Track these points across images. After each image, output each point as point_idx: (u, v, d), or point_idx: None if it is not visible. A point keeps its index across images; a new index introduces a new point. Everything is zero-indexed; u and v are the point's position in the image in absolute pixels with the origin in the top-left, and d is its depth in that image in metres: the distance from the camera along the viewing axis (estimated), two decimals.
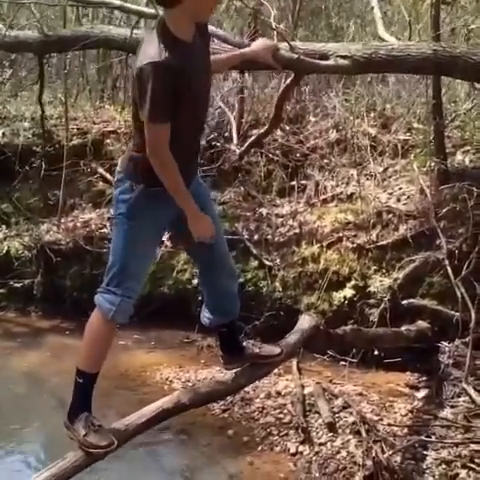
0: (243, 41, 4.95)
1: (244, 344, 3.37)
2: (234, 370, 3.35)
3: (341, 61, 4.53)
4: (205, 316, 3.29)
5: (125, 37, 5.60)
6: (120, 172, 2.94)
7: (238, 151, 6.13)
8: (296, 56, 4.37)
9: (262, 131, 5.71)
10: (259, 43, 3.34)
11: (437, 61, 4.44)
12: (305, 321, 3.78)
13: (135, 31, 5.59)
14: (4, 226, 7.19)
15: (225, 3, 7.11)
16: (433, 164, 5.57)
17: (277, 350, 3.39)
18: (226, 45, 4.65)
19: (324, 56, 4.58)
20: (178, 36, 2.71)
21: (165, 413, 3.11)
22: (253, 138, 5.91)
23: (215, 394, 3.42)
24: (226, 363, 3.37)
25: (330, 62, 4.54)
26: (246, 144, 6.02)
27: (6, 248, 6.90)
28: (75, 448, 2.89)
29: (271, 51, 3.36)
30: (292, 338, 3.62)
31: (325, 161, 6.42)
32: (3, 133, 7.67)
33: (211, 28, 3.12)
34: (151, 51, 2.63)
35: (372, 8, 5.54)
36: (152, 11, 5.75)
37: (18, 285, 6.76)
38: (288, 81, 4.81)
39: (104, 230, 6.75)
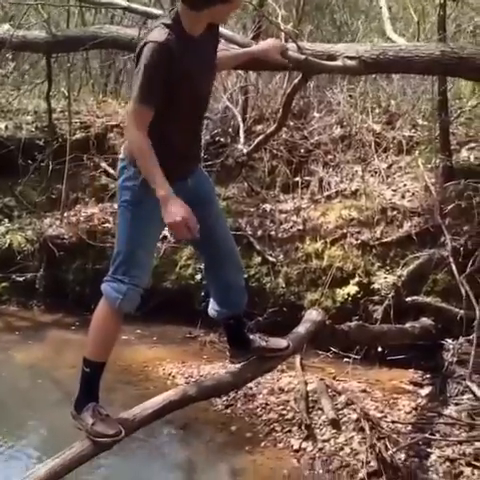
0: (250, 41, 4.94)
1: (251, 337, 3.34)
2: (240, 364, 3.34)
3: (349, 62, 4.52)
4: (212, 308, 3.28)
5: (132, 37, 5.60)
6: (123, 159, 2.93)
7: (245, 150, 6.13)
8: (304, 57, 4.37)
9: (270, 131, 5.75)
10: (268, 42, 3.35)
11: (445, 62, 4.44)
12: (311, 316, 3.77)
13: (143, 31, 5.55)
14: (7, 220, 7.16)
15: None
16: (438, 161, 5.55)
17: (284, 343, 3.39)
18: (233, 46, 4.64)
19: (332, 57, 4.58)
20: (187, 30, 2.76)
21: (172, 405, 3.10)
22: (261, 138, 5.93)
23: (221, 387, 3.40)
24: (232, 356, 3.35)
25: (338, 63, 4.54)
26: (253, 144, 6.04)
27: (9, 242, 6.88)
28: (80, 439, 2.88)
29: (279, 50, 3.35)
30: (298, 332, 3.61)
31: (329, 157, 6.40)
32: (6, 126, 7.66)
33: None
34: (155, 33, 2.68)
35: (380, 8, 5.51)
36: (159, 12, 5.75)
37: (20, 279, 6.74)
38: (296, 81, 4.82)
39: (107, 225, 6.74)
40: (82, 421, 2.87)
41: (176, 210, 2.71)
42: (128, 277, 2.86)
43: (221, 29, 4.52)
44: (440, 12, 5.17)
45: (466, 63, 4.41)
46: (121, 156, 2.96)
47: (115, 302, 2.87)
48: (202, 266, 6.03)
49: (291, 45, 4.44)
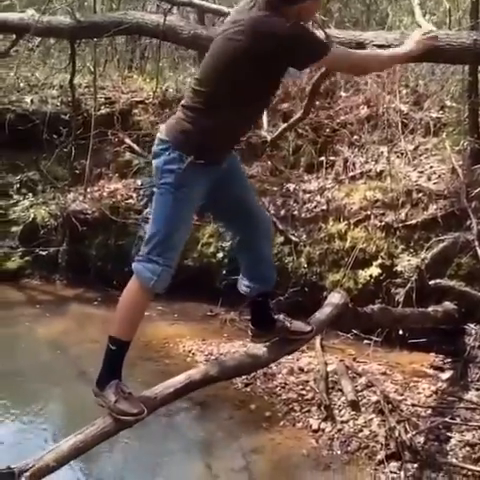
0: None
1: (275, 317, 3.33)
2: (261, 344, 3.33)
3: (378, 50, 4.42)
4: (244, 284, 3.26)
5: (158, 24, 5.54)
6: (166, 141, 2.90)
7: (269, 137, 6.08)
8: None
9: (295, 118, 5.69)
10: None
11: (477, 51, 4.31)
12: (334, 298, 3.73)
13: (168, 18, 5.51)
14: (31, 194, 7.22)
15: None
16: (466, 143, 5.46)
17: (308, 328, 3.37)
18: None
19: (360, 45, 4.47)
20: None
21: (193, 385, 3.10)
22: (285, 125, 5.90)
23: (243, 368, 3.39)
24: (255, 336, 3.33)
25: (366, 51, 4.45)
26: (278, 131, 5.99)
27: (32, 216, 6.94)
28: (98, 414, 2.90)
29: None
30: (321, 315, 3.58)
31: (355, 137, 6.32)
32: (31, 100, 7.67)
33: None
34: (279, 20, 2.73)
35: None
36: None
37: (43, 253, 6.81)
38: (323, 69, 4.76)
39: (130, 201, 6.75)
40: (105, 398, 2.87)
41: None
42: (163, 258, 2.87)
43: None
44: None
45: None
46: (162, 137, 2.92)
47: (149, 282, 2.87)
48: (224, 244, 6.13)
49: (319, 33, 4.38)
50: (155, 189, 2.97)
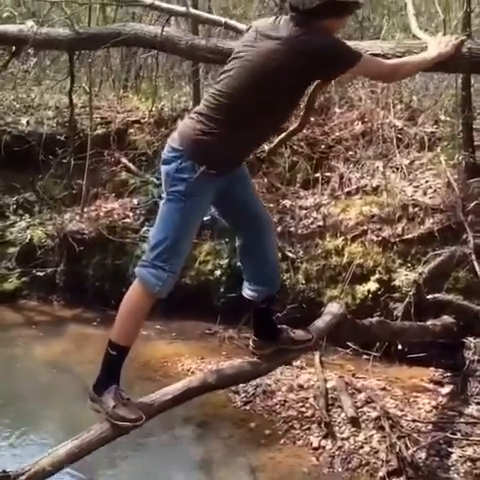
0: None
1: (279, 327, 3.32)
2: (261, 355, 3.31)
3: None
4: (249, 289, 3.22)
5: (155, 35, 5.56)
6: (178, 150, 2.90)
7: (267, 147, 6.09)
8: None
9: (291, 129, 5.67)
10: None
11: (472, 60, 4.34)
12: (333, 308, 3.75)
13: (166, 29, 5.54)
14: (27, 215, 7.21)
15: None
16: (461, 157, 5.48)
17: (309, 336, 3.37)
18: None
19: None
20: None
21: (191, 392, 3.09)
22: (282, 136, 5.87)
23: (241, 376, 3.37)
24: (257, 347, 3.28)
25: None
26: (274, 142, 5.98)
27: (29, 237, 6.93)
28: (99, 422, 2.87)
29: None
30: (321, 323, 3.59)
31: (350, 153, 6.34)
32: (27, 122, 7.69)
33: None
34: (316, 36, 2.82)
35: (405, 4, 5.42)
36: (182, 9, 5.72)
37: (41, 274, 6.79)
38: (317, 81, 4.77)
39: (127, 220, 6.75)
40: (103, 403, 2.86)
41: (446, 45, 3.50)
42: (169, 265, 2.88)
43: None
44: (467, 9, 5.09)
45: None
46: (174, 145, 2.92)
47: (154, 288, 2.88)
48: (222, 262, 6.13)
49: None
50: (163, 195, 2.98)
